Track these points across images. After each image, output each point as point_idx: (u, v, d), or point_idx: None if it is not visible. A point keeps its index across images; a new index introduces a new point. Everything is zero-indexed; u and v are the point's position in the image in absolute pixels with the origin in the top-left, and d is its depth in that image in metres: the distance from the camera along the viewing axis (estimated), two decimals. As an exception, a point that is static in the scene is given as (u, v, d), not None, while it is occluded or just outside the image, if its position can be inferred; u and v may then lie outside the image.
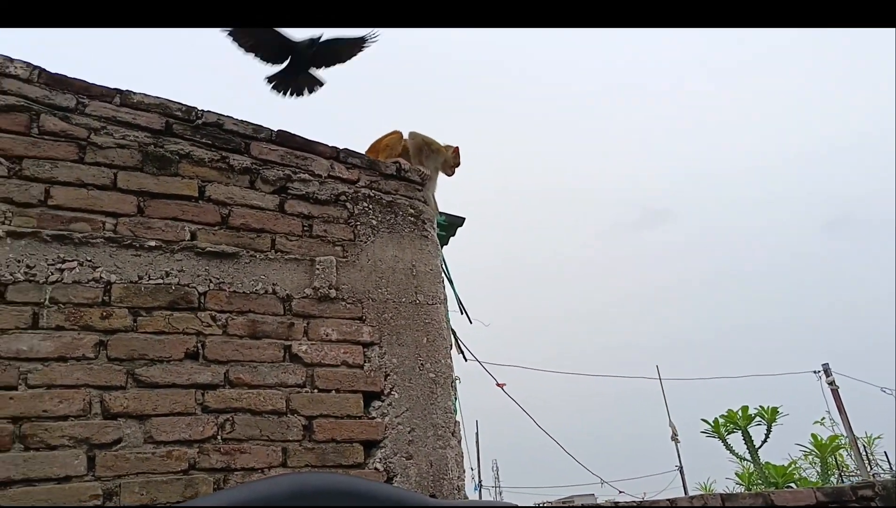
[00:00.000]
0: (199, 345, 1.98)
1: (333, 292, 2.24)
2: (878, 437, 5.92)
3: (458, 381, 3.00)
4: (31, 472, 1.64)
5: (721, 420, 5.96)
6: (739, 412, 5.81)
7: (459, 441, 2.30)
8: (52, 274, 1.84)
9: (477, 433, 9.53)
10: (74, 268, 1.87)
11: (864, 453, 5.33)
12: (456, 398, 2.37)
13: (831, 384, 5.11)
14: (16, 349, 1.73)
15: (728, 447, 5.81)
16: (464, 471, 2.27)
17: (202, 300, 2.04)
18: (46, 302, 1.81)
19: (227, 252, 2.13)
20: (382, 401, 2.19)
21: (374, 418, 2.16)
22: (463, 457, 2.29)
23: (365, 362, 2.22)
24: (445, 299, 2.50)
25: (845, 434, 5.38)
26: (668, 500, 2.59)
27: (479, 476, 9.74)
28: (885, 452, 5.77)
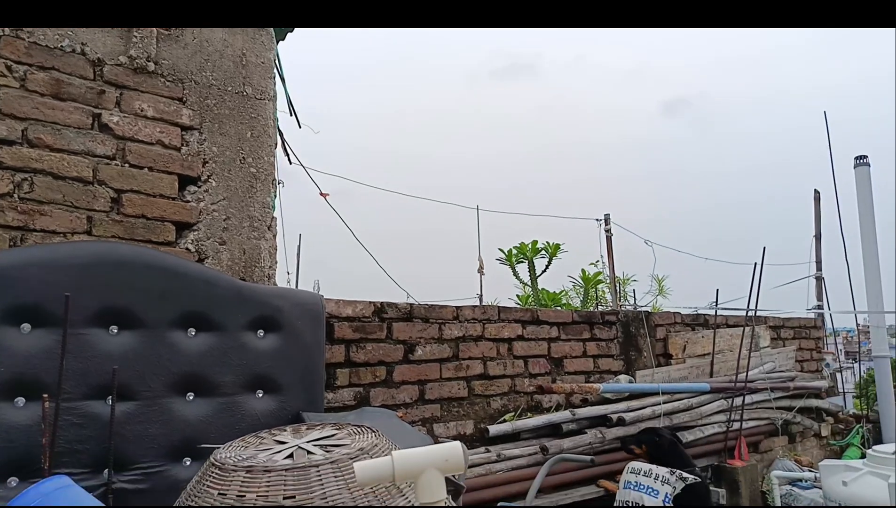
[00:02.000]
0: (-9, 96, 1.85)
1: (152, 66, 2.17)
2: (632, 279, 7.37)
3: (281, 184, 3.09)
4: None
5: (514, 251, 6.90)
6: (529, 246, 6.77)
7: (275, 236, 2.48)
8: None
9: (299, 247, 9.85)
10: None
11: (618, 289, 6.59)
12: (275, 196, 2.51)
13: (608, 231, 6.16)
14: None
15: (516, 274, 6.83)
16: (276, 262, 2.47)
17: (-6, 46, 1.87)
18: None
19: (26, -4, 1.94)
20: (199, 187, 2.26)
21: (188, 201, 2.23)
22: (276, 250, 2.48)
23: (183, 145, 2.23)
24: (275, 96, 2.53)
25: (609, 274, 6.63)
26: (456, 306, 3.08)
27: (297, 286, 10.26)
28: (633, 290, 7.25)
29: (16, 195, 1.86)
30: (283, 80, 2.73)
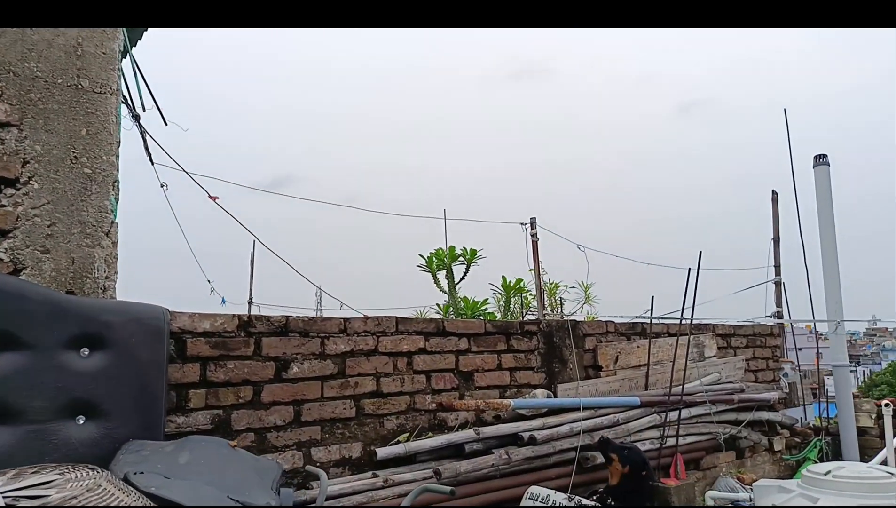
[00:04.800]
0: None
1: (-43, 56, 1.98)
2: (565, 286, 7.18)
3: (165, 187, 2.91)
4: None
5: (434, 258, 6.72)
6: (447, 251, 6.58)
7: (115, 244, 2.29)
8: None
9: (253, 253, 9.82)
10: None
11: (544, 298, 6.41)
12: (117, 199, 2.32)
13: (534, 236, 5.98)
14: None
15: (436, 281, 6.64)
16: (116, 273, 2.28)
17: None
18: None
19: None
20: (17, 189, 2.07)
21: (4, 206, 2.05)
22: (117, 259, 2.29)
23: (-3, 143, 2.04)
24: (118, 89, 2.35)
25: (544, 281, 6.47)
26: (343, 318, 2.89)
27: (251, 294, 10.21)
28: (560, 298, 7.03)
29: None
30: (140, 73, 2.55)
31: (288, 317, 2.69)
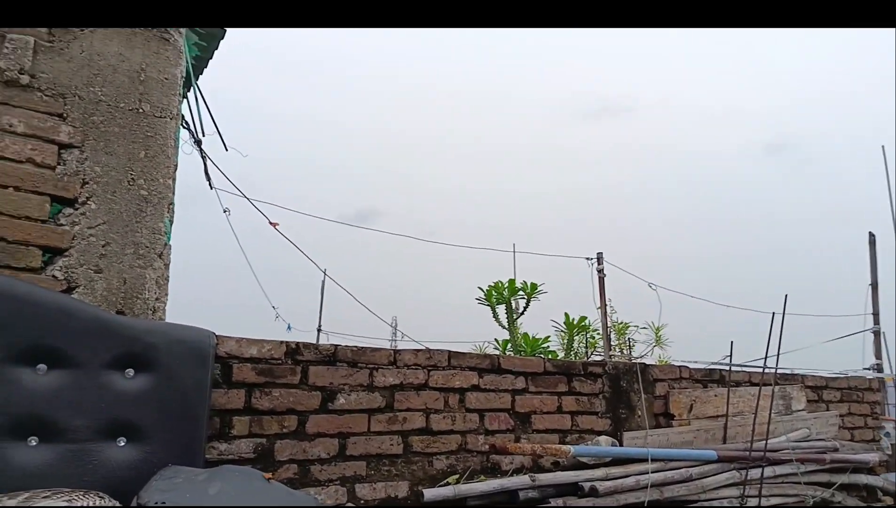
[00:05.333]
0: None
1: (26, 79, 2.07)
2: (628, 325, 6.75)
3: (227, 212, 2.96)
4: None
5: (493, 292, 6.49)
6: (506, 285, 6.34)
7: (167, 266, 2.31)
8: None
9: (323, 281, 10.07)
10: None
11: (610, 337, 6.07)
12: (171, 221, 2.35)
13: (600, 271, 5.70)
14: None
15: (495, 315, 6.39)
16: (166, 294, 2.30)
17: None
18: None
19: None
20: (76, 209, 2.13)
21: (62, 225, 2.10)
22: (168, 281, 2.30)
23: (59, 164, 2.11)
24: (179, 114, 2.40)
25: (612, 320, 6.17)
26: (393, 349, 2.81)
27: (320, 322, 10.46)
28: (629, 339, 6.59)
29: None
30: (202, 98, 2.60)
31: (336, 346, 2.63)
